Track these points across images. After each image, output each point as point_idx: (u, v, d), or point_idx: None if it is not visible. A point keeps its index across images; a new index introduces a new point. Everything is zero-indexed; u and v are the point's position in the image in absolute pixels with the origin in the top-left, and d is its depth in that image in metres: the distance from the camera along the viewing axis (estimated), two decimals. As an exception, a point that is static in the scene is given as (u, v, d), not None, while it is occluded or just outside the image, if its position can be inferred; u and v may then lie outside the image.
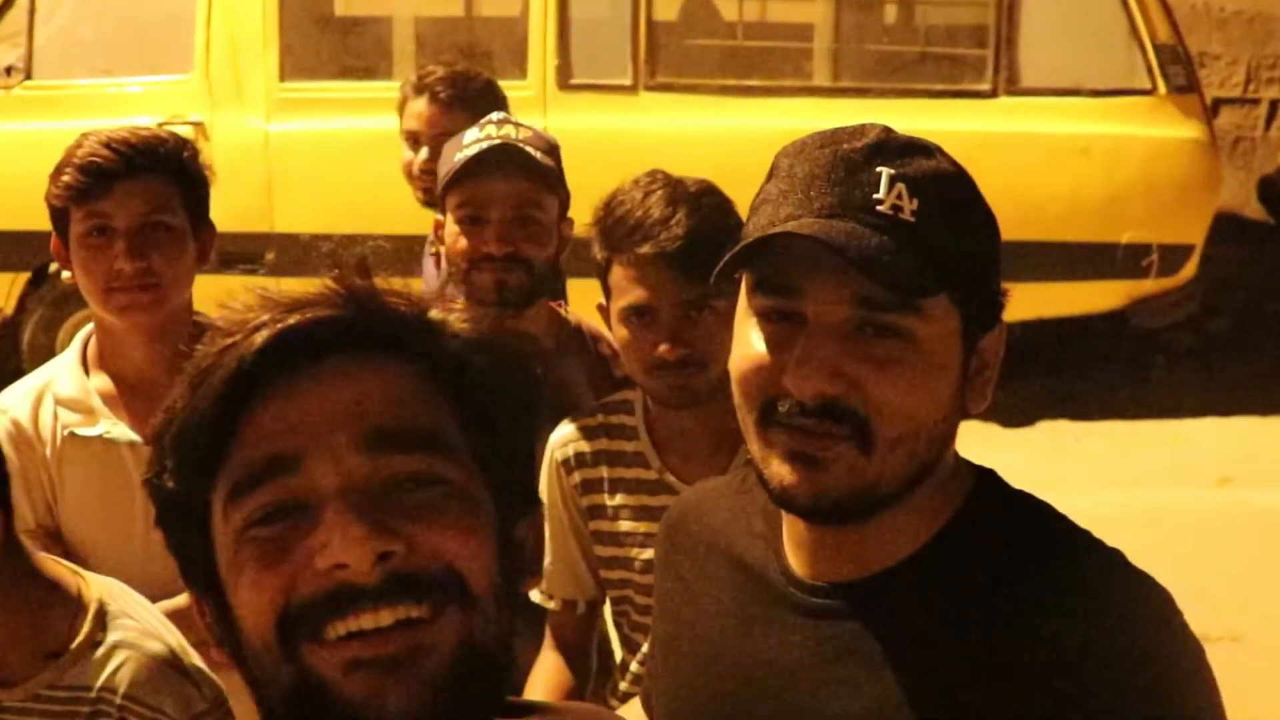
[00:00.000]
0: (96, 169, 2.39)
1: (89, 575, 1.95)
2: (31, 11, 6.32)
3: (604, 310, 2.40)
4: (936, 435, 1.38)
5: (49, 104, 6.11)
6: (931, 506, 1.42)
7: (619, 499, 2.43)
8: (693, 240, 2.21)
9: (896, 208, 1.32)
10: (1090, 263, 6.51)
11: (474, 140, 2.67)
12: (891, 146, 1.36)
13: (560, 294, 2.96)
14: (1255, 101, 9.77)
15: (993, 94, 6.48)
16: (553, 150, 2.73)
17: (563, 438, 2.48)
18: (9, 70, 6.40)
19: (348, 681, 1.01)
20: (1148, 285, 6.62)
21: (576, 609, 2.54)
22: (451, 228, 2.66)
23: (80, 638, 1.86)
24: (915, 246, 1.31)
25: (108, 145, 2.41)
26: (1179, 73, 6.50)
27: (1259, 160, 9.51)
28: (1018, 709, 1.33)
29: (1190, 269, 6.71)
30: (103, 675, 1.86)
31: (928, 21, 7.27)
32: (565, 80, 6.22)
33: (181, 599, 2.13)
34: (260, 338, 1.03)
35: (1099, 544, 1.42)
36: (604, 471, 2.44)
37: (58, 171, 2.44)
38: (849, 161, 1.34)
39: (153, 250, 2.40)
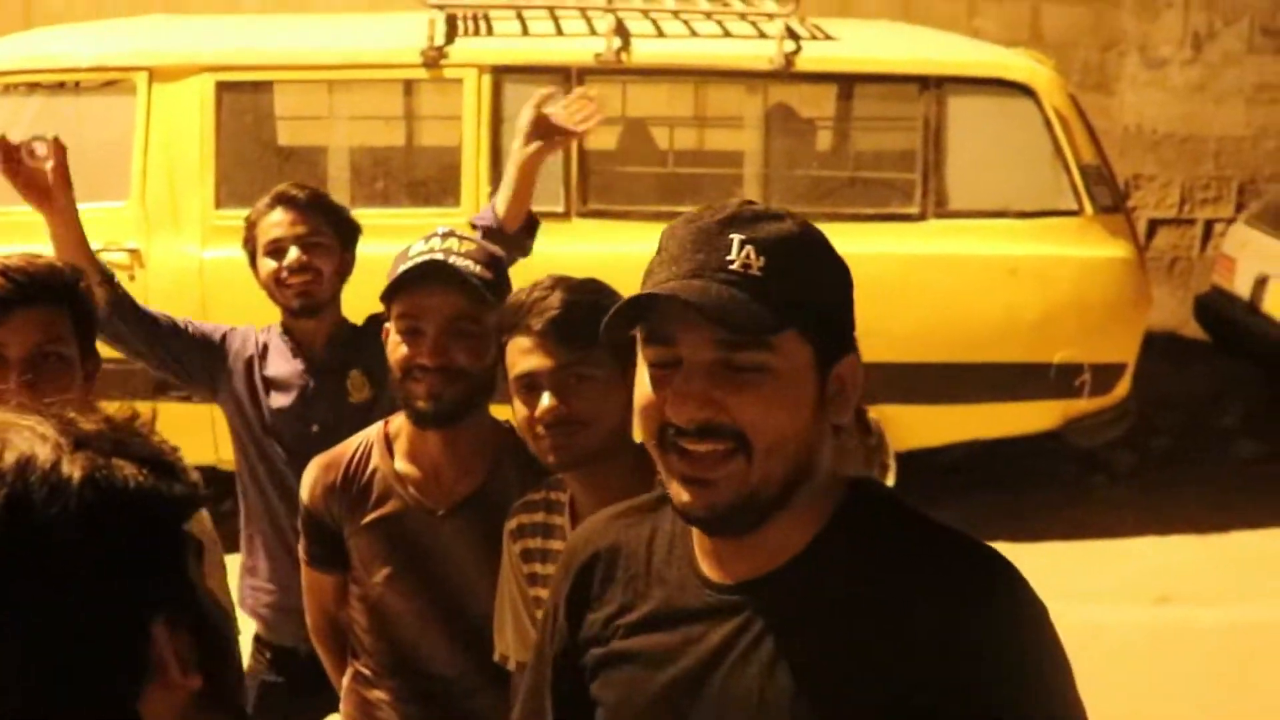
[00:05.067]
0: None
1: None
2: (-32, 140, 6.34)
3: (509, 395, 2.60)
4: (804, 444, 1.66)
5: (-19, 231, 6.11)
6: (810, 512, 1.71)
7: (549, 568, 2.59)
8: (566, 312, 2.47)
9: (746, 265, 1.60)
10: (1024, 383, 6.54)
11: (416, 253, 2.79)
12: (744, 216, 1.65)
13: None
14: (1190, 222, 9.92)
15: (921, 217, 6.53)
16: (493, 262, 2.82)
17: (515, 508, 2.70)
18: (-56, 199, 6.40)
19: None
20: (1082, 404, 6.65)
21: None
22: (393, 337, 2.81)
23: None
24: (763, 295, 1.59)
25: (3, 273, 2.38)
26: (1104, 193, 6.57)
27: (1195, 279, 9.63)
28: (889, 687, 1.61)
29: (1123, 388, 6.75)
30: None
31: (857, 147, 7.33)
32: (497, 207, 6.26)
33: None
34: None
35: (962, 538, 1.70)
36: (538, 542, 2.64)
37: None
38: (707, 231, 1.63)
39: (45, 380, 2.37)
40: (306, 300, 3.61)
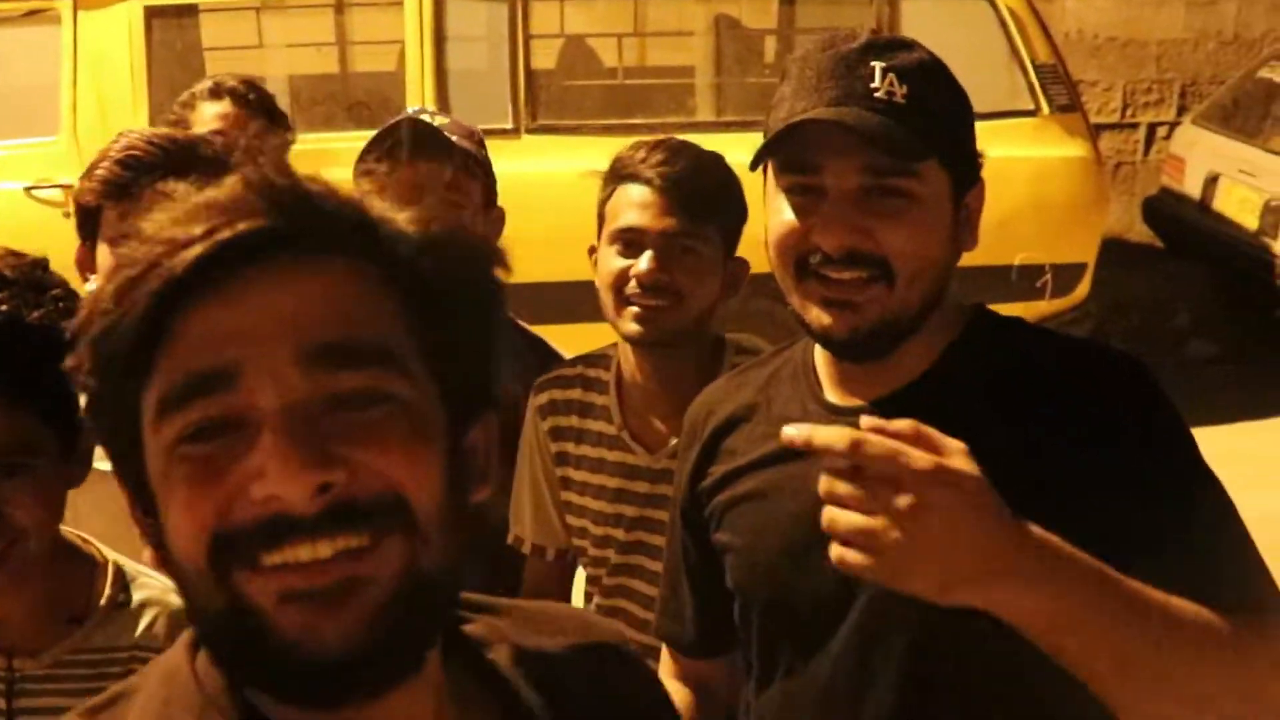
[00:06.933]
0: (136, 162, 2.21)
1: (95, 540, 1.81)
2: (-111, 84, 6.13)
3: (593, 252, 2.42)
4: (941, 271, 1.70)
5: (-90, 174, 5.91)
6: (938, 335, 1.74)
7: (584, 449, 2.46)
8: (689, 178, 2.30)
9: (890, 93, 1.62)
10: (985, 286, 6.38)
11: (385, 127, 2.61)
12: (880, 44, 1.67)
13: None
14: (1134, 126, 9.89)
15: (877, 122, 6.42)
16: (473, 135, 2.65)
17: (542, 383, 2.53)
18: None
19: (281, 613, 0.96)
20: (1043, 306, 6.58)
21: (545, 555, 2.56)
22: None
23: (104, 600, 1.74)
24: (908, 122, 1.62)
25: (149, 140, 2.24)
26: (1061, 92, 6.49)
27: (1140, 184, 9.61)
28: (1029, 477, 1.55)
29: (1084, 288, 6.70)
30: (137, 632, 1.74)
31: (808, 53, 7.22)
32: (445, 127, 6.11)
33: None
34: (193, 253, 0.96)
35: (1091, 342, 1.79)
36: (574, 420, 2.47)
37: (91, 168, 2.26)
38: (848, 59, 1.65)
39: None
40: None
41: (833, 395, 1.79)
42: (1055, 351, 1.74)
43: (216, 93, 3.45)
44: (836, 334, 1.69)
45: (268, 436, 0.94)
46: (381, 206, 1.02)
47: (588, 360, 2.52)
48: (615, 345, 2.46)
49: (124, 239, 2.20)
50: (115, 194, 2.22)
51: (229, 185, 1.00)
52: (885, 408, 1.70)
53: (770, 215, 1.73)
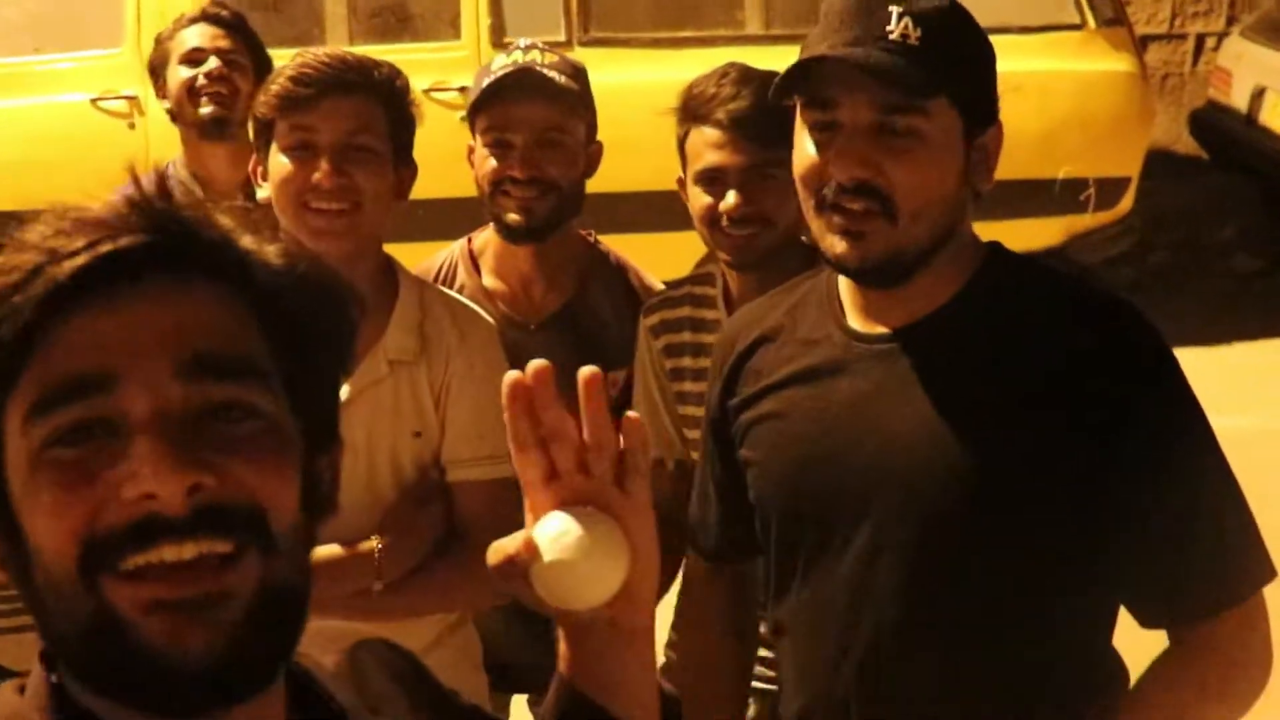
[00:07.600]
0: (308, 79, 2.35)
1: None
2: (-46, -7, 6.25)
3: (682, 183, 2.60)
4: (949, 208, 1.83)
5: (-22, 84, 6.06)
6: (953, 269, 1.87)
7: (702, 361, 2.61)
8: (758, 111, 2.45)
9: (904, 35, 1.76)
10: (1028, 200, 6.48)
11: (500, 66, 2.75)
12: None
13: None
14: (1182, 37, 9.84)
15: (924, 35, 6.46)
16: (579, 74, 2.80)
17: (652, 305, 2.73)
18: (-65, 53, 6.32)
19: (147, 623, 0.99)
20: (1086, 220, 6.66)
21: (665, 467, 2.71)
22: (480, 152, 2.77)
23: None
24: (917, 62, 1.76)
25: (322, 60, 2.39)
26: (1107, 6, 6.52)
27: (1188, 95, 9.58)
28: (1030, 412, 1.79)
29: (1127, 202, 6.75)
30: None
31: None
32: (498, 39, 6.20)
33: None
34: (76, 262, 0.99)
35: (1097, 289, 1.92)
36: (687, 336, 2.67)
37: (268, 83, 2.41)
38: (868, 4, 1.79)
39: (354, 168, 2.34)
40: (218, 111, 3.55)
41: (855, 321, 1.94)
42: (1064, 295, 1.90)
43: (195, 19, 3.68)
44: (849, 262, 1.84)
45: (141, 439, 0.98)
46: (249, 240, 1.06)
47: (694, 280, 2.72)
48: (717, 263, 2.64)
49: (292, 150, 2.32)
50: (287, 108, 2.36)
51: (111, 204, 1.03)
52: (903, 336, 1.89)
53: (795, 150, 1.88)
